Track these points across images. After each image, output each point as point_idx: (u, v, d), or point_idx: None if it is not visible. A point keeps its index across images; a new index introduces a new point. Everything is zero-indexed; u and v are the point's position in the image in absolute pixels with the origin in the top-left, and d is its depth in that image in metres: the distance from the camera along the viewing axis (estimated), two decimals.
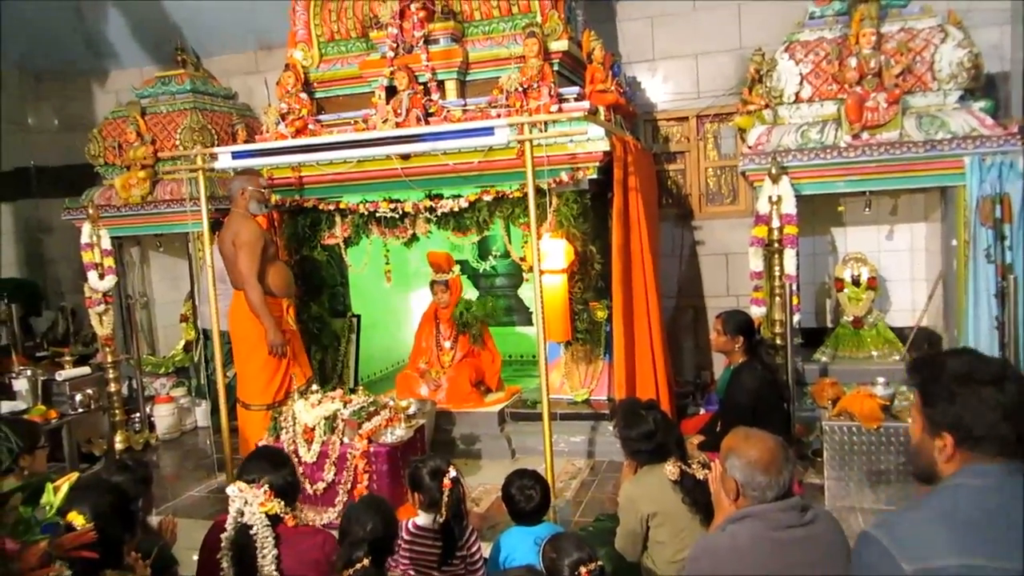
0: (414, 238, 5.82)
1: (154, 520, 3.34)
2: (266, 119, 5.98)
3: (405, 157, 5.24)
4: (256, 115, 7.45)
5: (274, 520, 2.74)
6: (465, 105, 5.49)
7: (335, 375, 6.17)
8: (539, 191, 4.52)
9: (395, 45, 5.54)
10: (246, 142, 6.59)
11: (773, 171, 5.04)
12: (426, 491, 3.05)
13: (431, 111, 5.44)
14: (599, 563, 2.56)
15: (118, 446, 6.02)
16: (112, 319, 6.15)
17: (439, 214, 5.55)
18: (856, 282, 5.72)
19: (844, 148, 5.04)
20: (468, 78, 5.61)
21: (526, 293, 7.06)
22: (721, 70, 6.59)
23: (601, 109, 5.42)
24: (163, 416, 6.57)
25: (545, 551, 2.65)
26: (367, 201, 5.72)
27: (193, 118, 6.84)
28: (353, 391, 4.88)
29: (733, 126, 6.39)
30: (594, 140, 5.01)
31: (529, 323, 7.00)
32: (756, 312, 5.21)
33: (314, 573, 2.72)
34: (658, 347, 5.42)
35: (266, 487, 2.77)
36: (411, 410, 4.84)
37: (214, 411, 6.23)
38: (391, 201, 5.64)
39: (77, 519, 2.06)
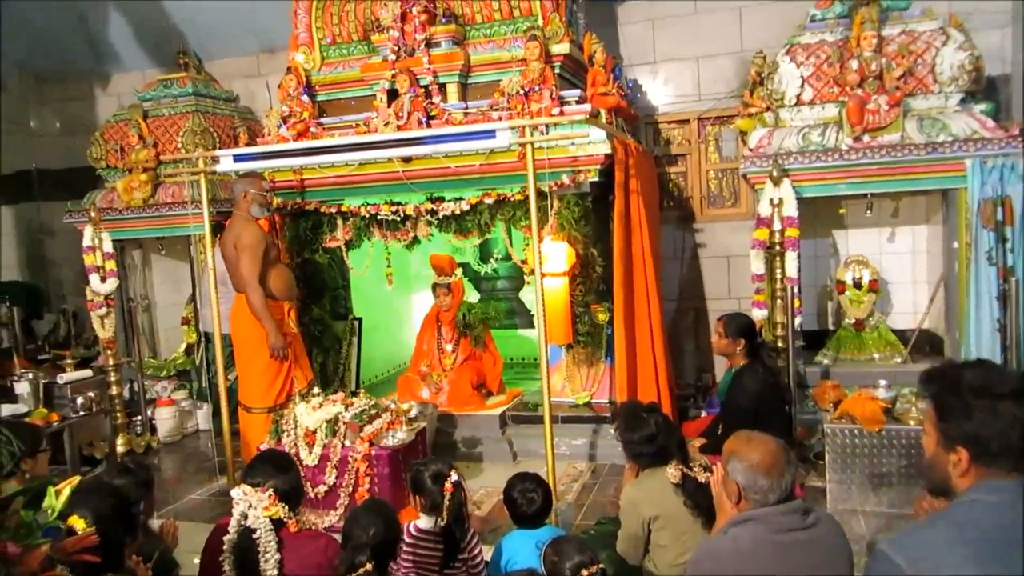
0: (415, 241, 5.82)
1: (155, 523, 3.34)
2: (268, 122, 5.99)
3: (406, 160, 5.24)
4: (258, 118, 7.46)
5: (277, 524, 2.74)
6: (466, 108, 5.49)
7: (336, 378, 6.17)
8: (540, 194, 4.52)
9: (396, 48, 5.55)
10: (248, 145, 6.59)
11: (774, 174, 5.04)
12: (428, 494, 3.05)
13: (432, 114, 5.45)
14: (601, 566, 2.56)
15: (119, 449, 6.02)
16: (114, 322, 6.16)
17: (440, 217, 5.55)
18: (858, 284, 5.72)
19: (845, 151, 5.04)
20: (469, 81, 5.61)
21: (527, 296, 7.07)
22: (722, 73, 6.60)
23: (602, 112, 5.42)
24: (164, 419, 6.57)
25: (546, 554, 2.65)
26: (368, 204, 5.72)
27: (195, 121, 6.85)
28: (354, 394, 4.88)
29: (734, 129, 6.40)
30: (595, 143, 5.02)
31: (530, 326, 6.99)
32: (757, 315, 5.21)
33: None
34: (659, 350, 5.42)
35: (271, 491, 2.77)
36: (412, 413, 4.85)
37: (215, 414, 6.24)
38: (392, 204, 5.64)
39: (78, 523, 2.06)
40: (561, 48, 5.39)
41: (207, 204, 5.23)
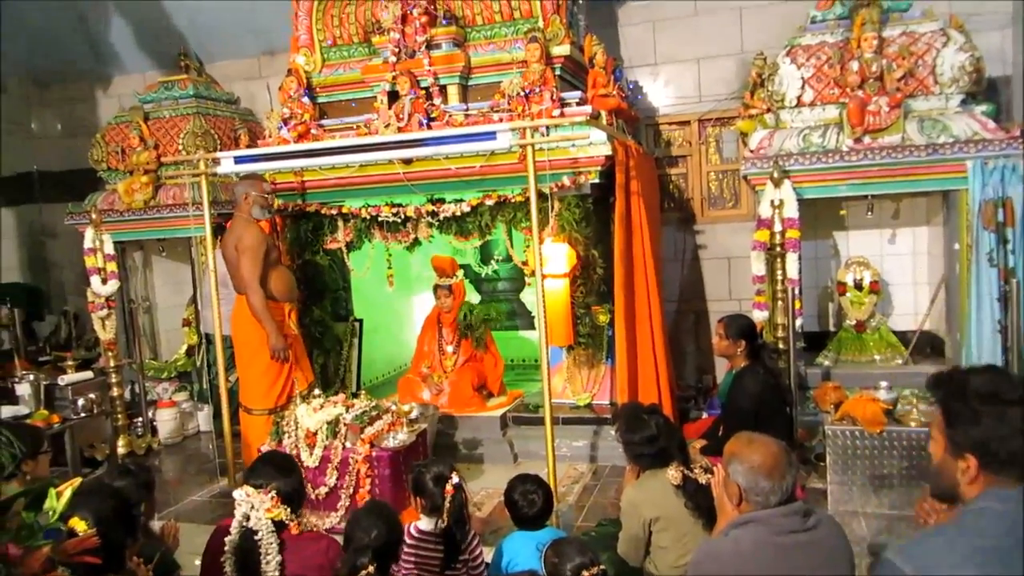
0: (416, 242, 5.82)
1: (156, 525, 3.34)
2: (268, 124, 5.99)
3: (407, 161, 5.24)
4: (259, 120, 7.46)
5: (279, 526, 2.74)
6: (467, 109, 5.50)
7: (337, 379, 6.17)
8: (541, 195, 4.52)
9: (397, 50, 5.55)
10: (248, 147, 6.60)
11: (775, 175, 5.04)
12: (429, 496, 3.05)
13: (433, 115, 5.45)
14: (601, 567, 2.56)
15: (120, 451, 6.03)
16: (115, 323, 6.16)
17: (441, 218, 5.55)
18: (858, 286, 5.71)
19: (846, 152, 5.04)
20: (470, 83, 5.62)
21: (528, 297, 7.07)
22: (723, 74, 6.60)
23: (603, 113, 5.43)
24: (165, 420, 6.57)
25: (547, 556, 2.65)
26: (369, 205, 5.72)
27: (196, 123, 6.85)
28: (355, 395, 4.89)
29: (735, 130, 6.40)
30: (596, 144, 5.02)
31: (531, 327, 6.99)
32: (758, 316, 5.20)
33: None
34: (660, 351, 5.42)
35: (273, 493, 2.77)
36: (413, 414, 4.84)
37: (216, 416, 6.24)
38: (393, 205, 5.65)
39: (79, 524, 2.06)
40: (562, 50, 5.39)
41: (208, 206, 5.24)
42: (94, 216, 6.09)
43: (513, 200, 5.33)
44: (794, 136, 5.22)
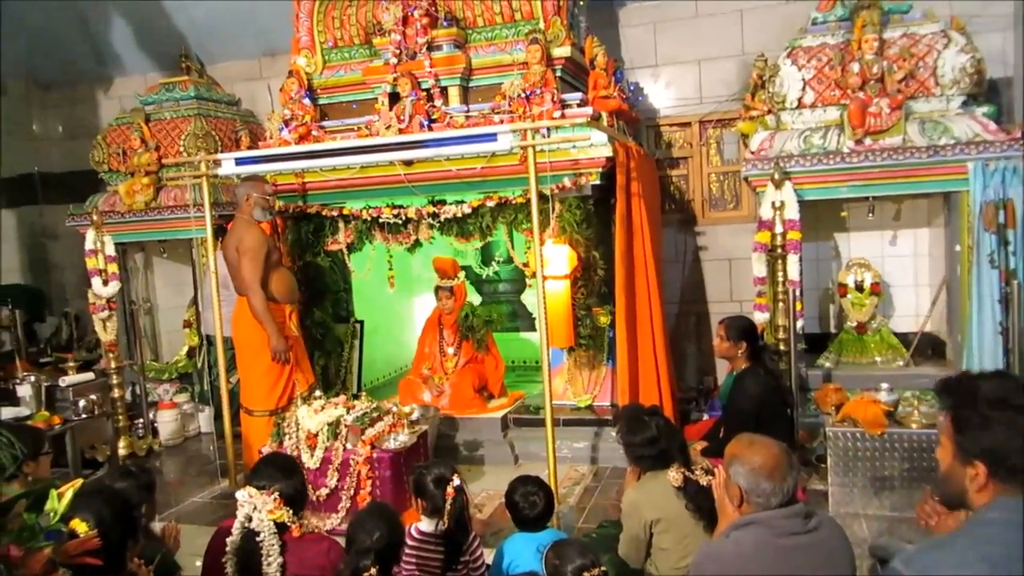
0: (417, 244, 5.83)
1: (157, 526, 3.34)
2: (270, 125, 6.00)
3: (408, 163, 5.24)
4: (260, 121, 7.47)
5: (280, 527, 2.74)
6: (468, 111, 5.50)
7: (338, 381, 6.17)
8: (542, 197, 4.53)
9: (398, 51, 5.55)
10: (249, 148, 6.60)
11: (776, 176, 5.04)
12: (430, 498, 3.05)
13: (434, 117, 5.46)
14: (602, 569, 2.56)
15: (121, 452, 6.03)
16: (116, 325, 6.16)
17: (442, 220, 5.55)
18: (860, 287, 5.71)
19: (847, 153, 5.04)
20: (471, 84, 5.62)
21: (529, 299, 7.06)
22: (724, 76, 6.60)
23: (604, 115, 5.43)
24: (166, 422, 6.57)
25: (548, 558, 2.65)
26: (370, 207, 5.73)
27: (197, 124, 6.86)
28: (356, 397, 4.88)
29: (736, 131, 6.40)
30: (597, 146, 5.02)
31: (532, 329, 6.98)
32: (759, 318, 5.20)
33: None
34: (661, 353, 5.42)
35: (276, 495, 2.77)
36: (414, 416, 4.85)
37: (217, 417, 6.24)
38: (394, 207, 5.65)
39: (80, 526, 2.06)
40: (562, 51, 5.39)
41: (209, 207, 5.24)
42: (95, 217, 6.09)
43: (514, 201, 5.33)
44: (795, 138, 5.22)
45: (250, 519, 2.74)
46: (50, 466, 3.61)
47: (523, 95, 5.22)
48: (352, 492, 4.36)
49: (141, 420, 6.50)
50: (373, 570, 2.45)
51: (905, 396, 4.81)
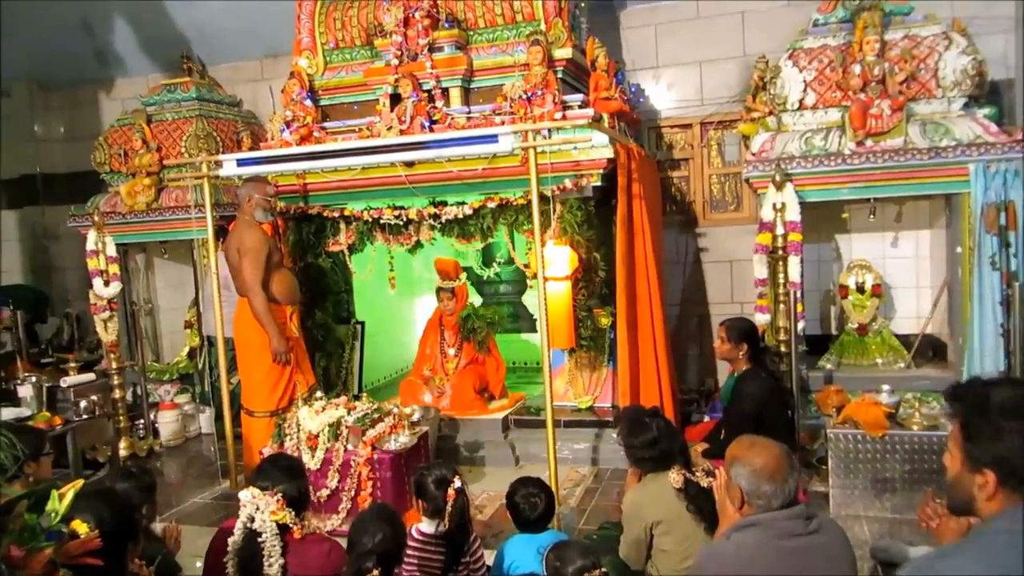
0: (418, 245, 5.83)
1: (158, 527, 3.34)
2: (271, 126, 6.00)
3: (409, 164, 5.24)
4: (261, 123, 7.47)
5: (282, 529, 2.74)
6: (469, 112, 5.51)
7: (339, 382, 6.17)
8: (543, 198, 4.53)
9: (400, 53, 5.56)
10: (251, 149, 6.61)
11: (777, 178, 5.04)
12: (431, 499, 3.05)
13: (435, 118, 5.46)
14: (603, 571, 2.56)
15: (122, 452, 6.03)
16: (117, 326, 6.16)
17: (443, 221, 5.55)
18: (861, 289, 5.71)
19: (848, 155, 5.04)
20: (472, 85, 5.62)
21: (530, 300, 7.07)
22: (725, 77, 6.60)
23: (605, 116, 5.43)
24: (167, 423, 6.57)
25: (549, 559, 2.65)
26: (371, 208, 5.73)
27: (198, 126, 6.86)
28: (357, 398, 4.88)
29: (737, 133, 6.39)
30: (598, 147, 5.02)
31: (533, 330, 6.99)
32: (760, 319, 5.20)
33: None
34: (662, 354, 5.41)
35: (279, 496, 2.77)
36: (415, 417, 4.85)
37: (218, 418, 6.24)
38: (395, 208, 5.65)
39: (81, 527, 2.06)
40: (564, 53, 5.40)
41: (210, 208, 5.25)
42: (97, 218, 6.10)
43: (515, 203, 5.32)
44: (796, 139, 5.22)
45: (252, 519, 2.74)
46: (51, 467, 3.62)
47: (524, 96, 5.22)
48: (353, 493, 4.36)
49: (142, 421, 6.50)
50: (376, 572, 2.45)
51: (906, 398, 4.80)
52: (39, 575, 1.82)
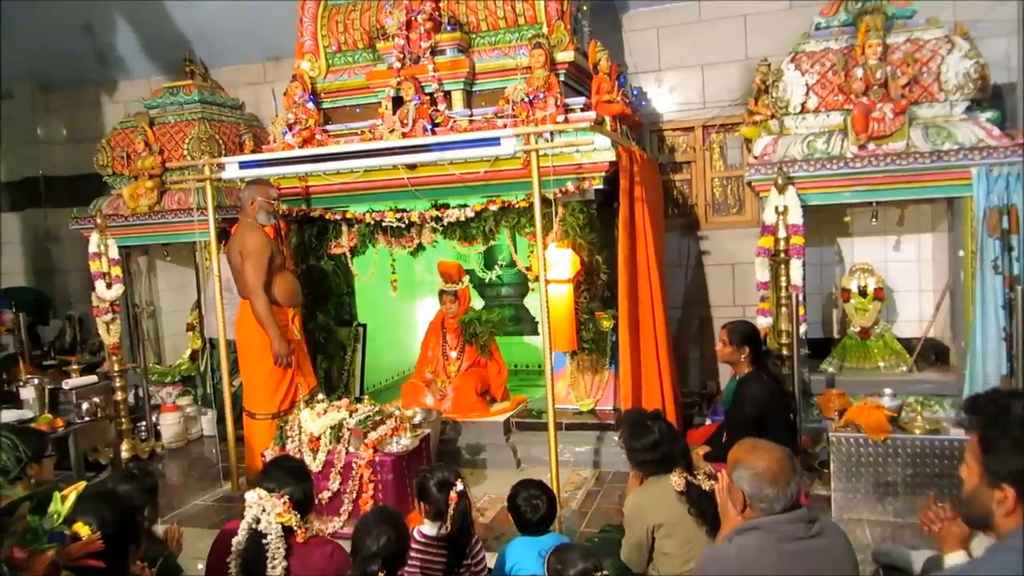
0: (420, 247, 5.83)
1: (159, 529, 3.34)
2: (273, 129, 6.01)
3: (411, 167, 5.25)
4: (263, 125, 7.49)
5: (286, 531, 2.74)
6: (471, 115, 5.51)
7: (341, 384, 6.17)
8: (545, 201, 4.52)
9: (402, 56, 5.57)
10: (253, 152, 6.61)
11: (779, 181, 5.04)
12: (433, 502, 3.05)
13: (437, 121, 5.46)
14: (604, 573, 2.55)
15: (124, 455, 6.04)
16: (119, 328, 6.16)
17: (445, 224, 5.56)
18: (863, 293, 5.71)
19: (850, 159, 5.04)
20: (474, 88, 5.63)
21: (532, 303, 7.06)
22: (727, 81, 6.60)
23: (607, 119, 5.43)
24: (169, 425, 6.58)
25: (550, 562, 2.64)
26: (373, 211, 5.73)
27: (201, 128, 6.87)
28: (359, 400, 4.88)
29: (739, 136, 6.40)
30: (600, 150, 5.02)
31: (535, 333, 6.99)
32: (762, 322, 5.20)
33: None
34: (664, 357, 5.41)
35: (286, 498, 2.77)
36: (417, 419, 4.85)
37: (220, 420, 6.24)
38: (397, 211, 5.65)
39: (83, 529, 2.07)
40: (566, 56, 5.40)
41: (212, 211, 5.25)
42: (99, 221, 6.10)
43: (517, 205, 5.33)
44: (798, 142, 5.22)
45: (258, 521, 2.74)
46: (53, 469, 3.63)
47: (526, 99, 5.23)
48: (354, 495, 4.36)
49: (144, 423, 6.51)
50: (381, 575, 2.44)
51: (908, 402, 4.80)
52: None
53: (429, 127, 5.42)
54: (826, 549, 2.24)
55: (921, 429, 4.17)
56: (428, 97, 5.50)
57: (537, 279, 4.39)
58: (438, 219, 5.55)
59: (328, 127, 5.89)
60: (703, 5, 6.63)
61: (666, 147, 6.90)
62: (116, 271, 6.07)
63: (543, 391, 4.46)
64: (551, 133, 4.82)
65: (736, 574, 2.22)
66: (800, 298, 5.05)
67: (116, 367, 6.06)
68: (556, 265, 4.98)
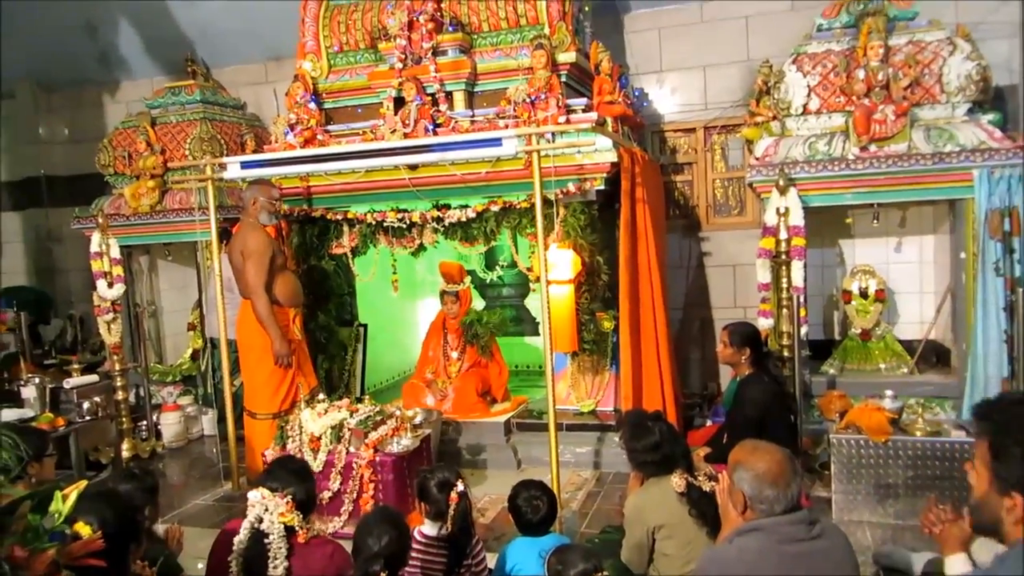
0: (421, 248, 5.83)
1: (160, 528, 3.34)
2: (275, 129, 6.02)
3: (413, 167, 5.25)
4: (265, 125, 7.49)
5: (288, 531, 2.74)
6: (473, 116, 5.51)
7: (342, 384, 6.17)
8: (546, 202, 4.53)
9: (403, 56, 5.57)
10: (255, 152, 6.62)
11: (781, 183, 5.04)
12: (433, 502, 3.05)
13: (439, 122, 5.47)
14: (605, 574, 2.55)
15: (125, 454, 6.04)
16: (120, 327, 6.17)
17: (446, 224, 5.56)
18: (864, 294, 5.71)
19: (852, 160, 5.03)
20: (476, 89, 5.63)
21: (533, 303, 7.05)
22: (729, 82, 6.60)
23: (609, 120, 5.43)
24: (170, 424, 6.58)
25: (550, 563, 2.64)
26: (375, 211, 5.73)
27: (202, 128, 6.88)
28: (359, 400, 4.89)
29: (740, 137, 6.39)
30: (601, 151, 5.02)
31: (536, 333, 6.99)
32: (763, 324, 5.19)
33: None
34: (665, 358, 5.41)
35: (289, 498, 2.77)
36: (417, 420, 4.85)
37: (221, 420, 6.24)
38: (399, 211, 5.66)
39: (84, 528, 2.07)
40: (567, 57, 5.40)
41: (214, 210, 5.26)
42: (100, 220, 6.11)
43: (518, 206, 5.33)
44: (800, 144, 5.22)
45: (260, 520, 2.74)
46: (54, 468, 3.63)
47: (528, 100, 5.23)
48: (355, 495, 4.36)
49: (145, 422, 6.52)
50: (383, 575, 2.44)
51: (909, 403, 4.80)
52: None
53: (431, 127, 5.42)
54: (827, 551, 2.24)
55: (922, 431, 4.17)
56: (430, 97, 5.50)
57: (538, 280, 4.40)
58: (439, 219, 5.55)
59: (330, 127, 5.89)
60: (705, 6, 6.64)
61: (667, 148, 6.90)
62: (117, 270, 6.09)
63: (544, 392, 4.46)
64: (552, 134, 4.82)
65: (737, 574, 2.22)
66: (801, 299, 5.04)
67: (117, 366, 6.07)
68: (557, 266, 4.98)
